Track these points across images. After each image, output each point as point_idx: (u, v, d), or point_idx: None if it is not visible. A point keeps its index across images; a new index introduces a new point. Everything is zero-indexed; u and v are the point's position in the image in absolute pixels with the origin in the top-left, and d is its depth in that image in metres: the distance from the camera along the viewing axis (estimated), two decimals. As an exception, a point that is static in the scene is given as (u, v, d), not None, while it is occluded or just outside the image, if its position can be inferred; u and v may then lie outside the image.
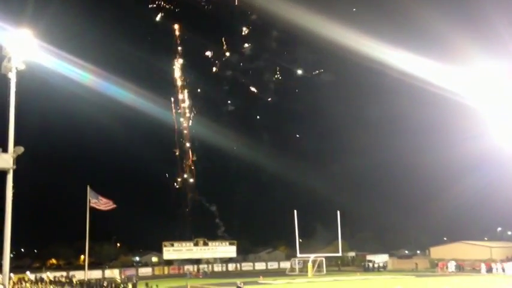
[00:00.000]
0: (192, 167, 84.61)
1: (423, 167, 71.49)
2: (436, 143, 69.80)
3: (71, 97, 70.10)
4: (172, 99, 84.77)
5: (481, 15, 57.74)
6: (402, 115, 74.39)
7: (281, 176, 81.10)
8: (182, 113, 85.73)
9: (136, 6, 79.76)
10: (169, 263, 66.30)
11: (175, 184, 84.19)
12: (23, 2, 60.28)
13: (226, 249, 68.29)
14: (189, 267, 62.62)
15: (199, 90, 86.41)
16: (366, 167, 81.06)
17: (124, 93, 73.63)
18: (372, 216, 78.95)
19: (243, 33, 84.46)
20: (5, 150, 20.00)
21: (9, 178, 19.95)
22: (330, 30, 61.16)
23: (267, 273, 58.47)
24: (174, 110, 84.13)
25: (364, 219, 79.11)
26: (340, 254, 62.53)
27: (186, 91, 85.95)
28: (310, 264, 55.58)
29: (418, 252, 79.38)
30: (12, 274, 26.79)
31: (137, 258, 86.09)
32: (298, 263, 59.95)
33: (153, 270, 63.57)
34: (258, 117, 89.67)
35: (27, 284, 32.97)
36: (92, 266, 61.80)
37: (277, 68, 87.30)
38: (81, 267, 55.17)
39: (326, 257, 59.52)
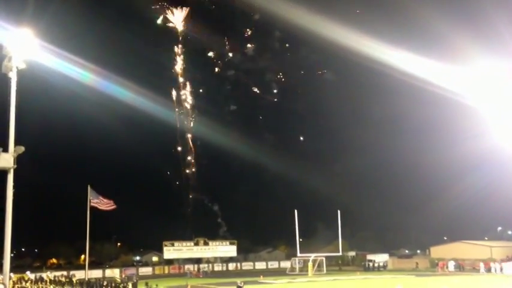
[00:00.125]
0: (194, 167, 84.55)
1: (424, 167, 71.54)
2: (437, 142, 69.84)
3: (71, 96, 70.22)
4: (174, 98, 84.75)
5: (481, 15, 57.71)
6: (403, 115, 74.43)
7: (282, 176, 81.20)
8: (184, 113, 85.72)
9: (137, 5, 79.58)
10: (169, 262, 66.34)
11: (176, 183, 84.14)
12: (23, 1, 60.36)
13: (227, 249, 68.31)
14: (189, 267, 62.66)
15: (201, 90, 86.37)
16: (366, 166, 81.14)
17: (125, 92, 73.65)
18: (372, 216, 78.98)
19: (246, 33, 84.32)
20: (6, 149, 20.01)
21: (10, 177, 19.96)
22: (331, 30, 61.14)
23: (267, 272, 58.49)
24: (176, 110, 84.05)
25: (365, 218, 79.13)
26: (340, 254, 62.54)
27: (188, 90, 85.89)
28: (310, 264, 55.59)
29: (418, 251, 79.38)
30: (12, 274, 26.82)
31: (137, 258, 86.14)
32: (299, 262, 59.96)
33: (153, 269, 63.62)
34: (260, 116, 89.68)
35: (27, 284, 33.01)
36: (93, 265, 61.87)
37: (279, 68, 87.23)
38: (81, 267, 55.20)
39: (326, 257, 59.53)
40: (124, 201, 61.61)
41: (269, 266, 69.64)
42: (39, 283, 34.42)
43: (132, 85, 73.53)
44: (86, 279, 38.98)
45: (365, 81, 79.01)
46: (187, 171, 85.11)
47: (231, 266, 68.30)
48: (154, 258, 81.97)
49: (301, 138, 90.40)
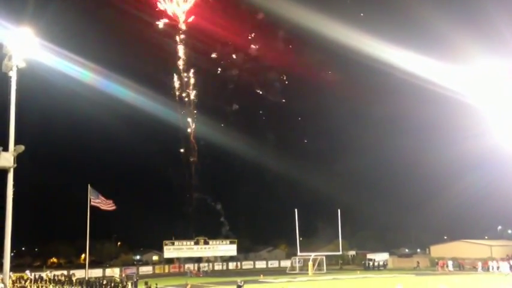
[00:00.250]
0: (196, 166, 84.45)
1: (424, 166, 71.51)
2: (437, 141, 69.83)
3: (71, 95, 70.10)
4: (176, 97, 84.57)
5: (482, 14, 57.67)
6: (403, 114, 74.33)
7: (282, 175, 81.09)
8: (186, 112, 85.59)
9: (137, 3, 79.44)
10: (169, 261, 66.37)
11: (178, 182, 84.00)
12: (23, 0, 60.29)
13: (227, 248, 68.33)
14: (189, 266, 62.70)
15: (203, 91, 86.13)
16: (366, 165, 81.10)
17: (125, 92, 73.58)
18: (372, 215, 78.95)
19: (249, 32, 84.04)
20: (6, 148, 20.01)
21: (10, 177, 19.96)
22: (332, 30, 61.09)
23: (268, 271, 58.49)
24: (178, 109, 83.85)
25: (365, 217, 79.11)
26: (340, 253, 62.60)
27: (190, 89, 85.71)
28: (310, 263, 55.62)
29: (419, 250, 79.42)
30: (11, 273, 26.82)
31: (138, 257, 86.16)
32: (299, 261, 59.98)
33: (153, 268, 63.64)
34: (262, 116, 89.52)
35: (26, 283, 33.02)
36: (93, 264, 61.87)
37: (282, 68, 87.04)
38: (82, 266, 55.25)
39: (327, 256, 59.56)
40: (124, 201, 61.63)
41: (269, 265, 69.65)
42: (38, 282, 34.43)
43: (132, 84, 73.50)
44: (86, 278, 38.98)
45: (365, 80, 78.98)
46: (189, 170, 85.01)
47: (231, 265, 68.32)
48: (155, 258, 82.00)
49: (305, 140, 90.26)
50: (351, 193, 76.30)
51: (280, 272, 58.45)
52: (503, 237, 75.15)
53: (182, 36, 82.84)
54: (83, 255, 73.87)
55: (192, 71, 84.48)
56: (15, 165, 20.05)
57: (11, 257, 20.71)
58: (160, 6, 80.00)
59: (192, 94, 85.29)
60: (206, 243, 66.62)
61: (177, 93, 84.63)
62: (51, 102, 69.97)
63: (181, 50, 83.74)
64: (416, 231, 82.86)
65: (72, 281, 33.79)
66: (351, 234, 74.62)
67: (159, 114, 75.28)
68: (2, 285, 20.43)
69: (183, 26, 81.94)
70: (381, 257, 62.40)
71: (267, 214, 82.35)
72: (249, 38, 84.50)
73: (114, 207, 43.86)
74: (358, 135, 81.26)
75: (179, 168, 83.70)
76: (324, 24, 62.19)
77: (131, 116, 75.60)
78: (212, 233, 74.21)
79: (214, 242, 67.80)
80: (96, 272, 52.36)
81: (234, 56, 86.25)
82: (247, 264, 69.66)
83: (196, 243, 66.08)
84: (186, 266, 63.33)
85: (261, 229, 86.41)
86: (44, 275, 38.57)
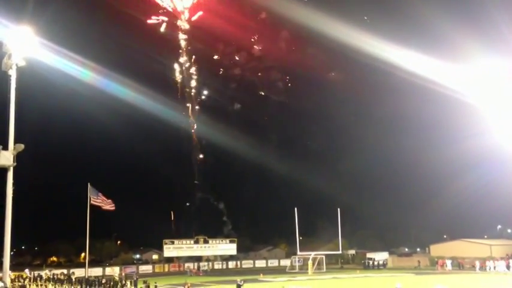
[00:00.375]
0: (198, 165, 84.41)
1: (424, 165, 71.51)
2: (437, 141, 69.86)
3: (71, 94, 70.06)
4: (178, 95, 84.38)
5: (482, 13, 57.67)
6: (403, 113, 74.35)
7: (283, 174, 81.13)
8: (187, 111, 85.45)
9: (138, 3, 79.36)
10: (169, 260, 66.39)
11: (177, 181, 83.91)
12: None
13: (227, 247, 68.31)
14: (189, 265, 62.71)
15: (205, 90, 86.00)
16: (366, 165, 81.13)
17: (125, 91, 73.52)
18: (372, 214, 78.92)
19: (251, 32, 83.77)
20: (6, 147, 20.01)
21: (10, 175, 19.96)
22: (334, 29, 61.04)
23: (267, 270, 58.51)
24: (179, 108, 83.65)
25: (365, 217, 79.11)
26: (340, 252, 62.61)
27: (191, 88, 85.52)
28: (310, 262, 55.64)
29: (418, 250, 79.40)
30: (10, 271, 26.83)
31: (138, 256, 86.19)
32: (299, 260, 60.01)
33: (153, 267, 63.64)
34: (263, 116, 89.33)
35: (25, 282, 33.02)
36: (93, 263, 61.89)
37: (284, 68, 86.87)
38: (81, 265, 55.25)
39: (327, 255, 59.57)
40: (124, 200, 61.68)
41: (269, 264, 69.64)
42: (37, 281, 34.44)
43: (132, 83, 73.46)
44: (86, 277, 38.98)
45: (365, 80, 78.99)
46: (191, 169, 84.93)
47: (231, 264, 68.33)
48: (155, 257, 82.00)
49: (308, 142, 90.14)
50: (350, 192, 76.37)
51: (280, 271, 58.46)
52: (502, 236, 75.17)
53: (184, 34, 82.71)
54: (82, 254, 73.95)
55: (194, 69, 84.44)
56: (15, 163, 20.05)
57: (11, 256, 20.72)
58: (161, 3, 80.00)
59: (194, 93, 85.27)
60: (206, 242, 66.61)
61: (179, 92, 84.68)
62: (51, 101, 70.02)
63: (183, 48, 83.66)
64: (416, 230, 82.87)
65: (72, 279, 33.79)
66: (350, 233, 74.62)
67: (160, 114, 75.27)
68: (2, 284, 20.43)
69: (185, 24, 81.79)
70: (380, 256, 62.42)
71: (267, 213, 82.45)
72: (252, 37, 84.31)
73: (113, 208, 43.89)
74: (358, 135, 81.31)
75: (179, 167, 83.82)
76: (326, 24, 62.16)
77: (131, 115, 75.63)
78: (214, 232, 74.40)
79: (214, 241, 67.79)
80: (96, 271, 52.35)
81: (236, 55, 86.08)
82: (247, 263, 69.65)
83: (196, 242, 66.07)
84: (186, 265, 63.35)
85: (261, 228, 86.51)
86: (43, 273, 38.58)
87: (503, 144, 38.44)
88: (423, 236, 79.14)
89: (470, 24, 56.36)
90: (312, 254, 57.50)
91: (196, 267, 62.15)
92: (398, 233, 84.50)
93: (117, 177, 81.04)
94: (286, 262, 65.38)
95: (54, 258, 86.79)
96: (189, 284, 32.55)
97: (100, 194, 43.14)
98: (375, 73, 70.94)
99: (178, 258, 66.58)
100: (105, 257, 79.23)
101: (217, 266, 67.08)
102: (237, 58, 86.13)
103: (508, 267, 47.92)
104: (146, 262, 75.54)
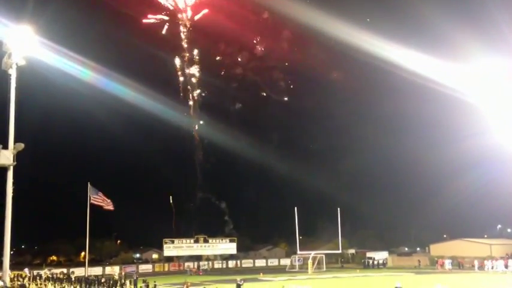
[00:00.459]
0: (199, 165, 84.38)
1: (424, 164, 71.52)
2: (437, 140, 69.89)
3: (71, 93, 70.04)
4: (180, 92, 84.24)
5: (483, 13, 57.64)
6: (403, 112, 74.35)
7: (283, 174, 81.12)
8: (189, 110, 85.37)
9: (138, 1, 79.28)
10: (169, 259, 66.40)
11: (178, 181, 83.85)
12: (23, -2, 60.04)
13: (227, 246, 68.31)
14: (189, 264, 62.70)
15: (206, 89, 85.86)
16: (366, 164, 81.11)
17: (125, 90, 73.49)
18: (372, 214, 78.93)
19: (253, 32, 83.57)
20: (6, 146, 20.00)
21: (10, 174, 19.95)
22: (334, 29, 61.03)
23: (267, 270, 58.52)
24: (179, 107, 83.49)
25: (365, 216, 79.09)
26: (340, 251, 62.61)
27: (192, 87, 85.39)
28: (310, 261, 55.64)
29: (418, 249, 79.40)
30: (9, 271, 26.83)
31: (138, 255, 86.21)
32: (298, 260, 60.01)
33: (153, 267, 63.67)
34: (264, 116, 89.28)
35: (25, 281, 33.02)
36: (93, 262, 61.90)
37: (286, 68, 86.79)
38: (81, 264, 55.28)
39: (327, 255, 59.57)
40: (124, 199, 61.70)
41: (269, 264, 69.65)
42: (37, 280, 34.44)
43: (132, 82, 73.41)
44: (85, 276, 39.00)
45: (365, 79, 78.94)
46: (192, 169, 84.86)
47: (231, 264, 68.33)
48: (155, 256, 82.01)
49: (310, 141, 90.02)
50: (350, 192, 76.34)
51: (279, 270, 58.47)
52: (502, 235, 75.20)
53: (186, 33, 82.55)
54: (82, 254, 73.92)
55: (195, 69, 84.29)
56: (15, 163, 20.03)
57: (11, 255, 20.71)
58: (163, 2, 79.88)
59: (196, 93, 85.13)
60: (206, 241, 66.62)
61: (181, 91, 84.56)
62: (51, 100, 69.96)
63: (184, 47, 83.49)
64: (416, 229, 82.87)
65: (71, 279, 33.79)
66: (350, 232, 74.62)
67: (160, 113, 75.22)
68: (2, 283, 20.42)
69: (187, 23, 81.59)
70: (380, 256, 62.44)
71: (267, 213, 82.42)
72: (254, 37, 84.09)
73: (112, 208, 43.93)
74: (358, 134, 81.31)
75: (180, 166, 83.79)
76: (326, 23, 62.14)
77: (131, 114, 75.59)
78: (215, 232, 74.39)
79: (214, 241, 67.79)
80: (96, 270, 52.34)
81: (238, 55, 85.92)
82: (247, 263, 69.65)
83: (196, 241, 66.07)
84: (186, 264, 63.35)
85: (261, 227, 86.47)
86: (42, 273, 38.58)
87: (503, 143, 38.47)
88: (423, 235, 79.15)
89: (470, 23, 56.40)
90: (312, 253, 57.50)
91: (196, 266, 62.18)
92: (398, 233, 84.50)
93: (117, 177, 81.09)
94: (286, 261, 65.41)
95: (54, 258, 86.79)
96: (188, 284, 32.52)
97: (100, 193, 43.17)
98: (374, 72, 70.94)
99: (179, 257, 66.62)
100: (105, 256, 79.23)
101: (217, 265, 67.10)
102: (238, 57, 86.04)
103: (506, 266, 47.94)
104: (146, 261, 75.56)
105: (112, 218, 58.27)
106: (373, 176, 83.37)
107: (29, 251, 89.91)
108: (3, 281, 20.55)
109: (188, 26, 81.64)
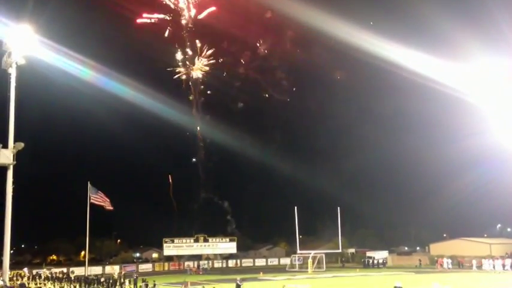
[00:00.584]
0: (202, 164, 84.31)
1: (424, 164, 71.54)
2: (437, 139, 69.88)
3: (71, 93, 69.97)
4: (182, 87, 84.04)
5: (483, 12, 57.61)
6: (404, 112, 74.41)
7: (283, 174, 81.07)
8: (191, 110, 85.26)
9: (138, 2, 79.11)
10: (169, 259, 66.40)
11: (179, 180, 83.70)
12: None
13: (227, 246, 68.34)
14: (189, 264, 62.70)
15: (208, 88, 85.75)
16: (366, 163, 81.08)
17: (125, 89, 73.44)
18: (372, 213, 78.98)
19: (256, 32, 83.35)
20: (6, 145, 19.99)
21: (10, 174, 19.95)
22: (335, 28, 60.99)
23: (267, 269, 58.52)
24: (178, 107, 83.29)
25: (365, 215, 79.12)
26: (340, 251, 62.61)
27: (194, 87, 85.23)
28: (310, 261, 55.64)
29: (418, 248, 79.44)
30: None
31: (138, 255, 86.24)
32: (298, 259, 60.01)
33: (153, 266, 63.68)
34: (265, 116, 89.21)
35: (24, 280, 33.04)
36: (93, 262, 61.95)
37: (288, 68, 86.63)
38: (81, 263, 55.29)
39: (327, 254, 59.56)
40: (124, 198, 61.74)
41: (269, 263, 69.68)
42: (36, 279, 34.45)
43: (132, 81, 73.35)
44: (85, 275, 39.00)
45: (365, 79, 78.87)
46: (195, 168, 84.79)
47: (231, 263, 68.34)
48: (154, 255, 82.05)
49: (311, 142, 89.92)
50: (350, 191, 76.39)
51: (279, 269, 58.48)
52: (502, 235, 75.25)
53: (188, 32, 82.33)
54: (82, 253, 73.95)
55: (198, 68, 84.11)
56: (15, 162, 20.03)
57: (11, 254, 20.71)
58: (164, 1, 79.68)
59: (198, 92, 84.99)
60: (206, 240, 66.63)
61: (183, 90, 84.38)
62: (50, 99, 69.96)
63: (187, 45, 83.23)
64: (415, 229, 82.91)
65: (70, 278, 33.79)
66: (350, 232, 74.65)
67: (161, 112, 75.15)
68: (2, 282, 20.44)
69: (189, 22, 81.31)
70: (380, 255, 62.44)
71: (267, 212, 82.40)
72: (256, 36, 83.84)
73: (111, 208, 43.98)
74: (358, 134, 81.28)
75: (181, 166, 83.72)
76: (328, 23, 62.09)
77: (131, 113, 75.56)
78: (217, 231, 74.37)
79: (214, 240, 67.79)
80: (96, 270, 52.34)
81: (241, 54, 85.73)
82: (246, 262, 69.67)
83: (196, 240, 66.09)
84: (186, 263, 63.34)
85: (261, 227, 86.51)
86: (41, 272, 38.58)
87: (504, 143, 38.43)
88: (423, 234, 79.20)
89: (470, 23, 56.37)
90: (312, 252, 57.49)
91: (196, 265, 62.17)
92: (398, 232, 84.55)
93: (118, 176, 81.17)
94: (286, 261, 65.43)
95: (54, 257, 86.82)
96: (188, 283, 32.51)
97: (100, 192, 43.17)
98: (375, 72, 70.84)
99: (179, 256, 66.60)
100: (105, 256, 79.30)
101: (217, 264, 67.11)
102: (241, 57, 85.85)
103: (503, 266, 47.97)
104: (146, 261, 75.63)
105: (112, 217, 58.37)
106: (373, 175, 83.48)
107: (29, 250, 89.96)
108: (3, 280, 20.56)
109: (191, 24, 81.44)
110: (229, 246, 68.40)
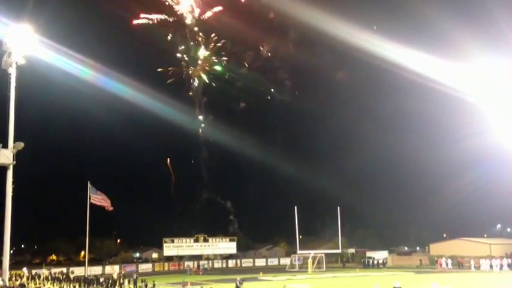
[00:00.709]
0: (204, 164, 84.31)
1: (424, 164, 71.60)
2: (437, 139, 69.93)
3: (71, 92, 70.02)
4: (184, 84, 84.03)
5: (483, 13, 57.62)
6: (404, 112, 74.40)
7: (283, 173, 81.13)
8: (193, 110, 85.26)
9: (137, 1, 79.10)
10: (169, 259, 66.37)
11: (179, 180, 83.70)
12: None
13: (227, 246, 68.30)
14: (189, 264, 62.67)
15: (210, 88, 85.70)
16: (366, 163, 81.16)
17: (125, 89, 73.44)
18: (372, 213, 78.99)
19: (258, 32, 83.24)
20: (5, 145, 19.97)
21: (10, 173, 19.93)
22: (335, 29, 60.99)
23: (267, 269, 58.49)
24: (178, 107, 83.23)
25: (365, 215, 79.15)
26: (340, 251, 62.60)
27: (195, 86, 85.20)
28: (310, 261, 55.63)
29: (418, 248, 79.46)
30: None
31: (137, 255, 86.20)
32: (298, 259, 59.99)
33: (153, 266, 63.62)
34: (266, 115, 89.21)
35: (23, 280, 33.02)
36: (92, 262, 61.90)
37: (287, 68, 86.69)
38: (81, 263, 55.25)
39: (327, 254, 59.55)
40: (124, 198, 61.73)
41: (269, 263, 69.63)
42: (36, 279, 34.42)
43: (132, 81, 73.37)
44: (85, 275, 38.97)
45: (366, 79, 78.93)
46: (197, 168, 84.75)
47: (231, 263, 68.28)
48: (154, 255, 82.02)
49: (311, 142, 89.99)
50: (350, 191, 76.40)
51: (279, 269, 58.45)
52: (502, 235, 75.26)
53: (190, 31, 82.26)
54: (82, 253, 73.92)
55: (199, 68, 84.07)
56: (15, 162, 20.02)
57: (10, 254, 20.69)
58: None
59: (200, 92, 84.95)
60: (206, 240, 66.59)
61: (185, 91, 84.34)
62: (50, 99, 70.02)
63: (189, 45, 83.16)
64: (415, 229, 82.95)
65: (70, 278, 33.75)
66: (350, 232, 74.66)
67: (161, 112, 75.17)
68: (1, 282, 20.41)
69: (189, 22, 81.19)
70: (380, 255, 62.43)
71: (268, 212, 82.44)
72: (259, 37, 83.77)
73: (111, 208, 43.95)
74: (359, 133, 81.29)
75: (180, 166, 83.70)
76: (329, 23, 62.07)
77: (131, 113, 75.58)
78: (219, 231, 74.30)
79: (213, 240, 67.75)
80: (96, 270, 52.31)
81: (242, 55, 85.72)
82: (246, 262, 69.61)
83: (196, 240, 66.05)
84: (186, 263, 63.31)
85: (261, 227, 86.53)
86: (41, 272, 38.53)
87: (504, 143, 38.42)
88: (423, 234, 79.22)
89: (471, 23, 56.38)
90: (312, 252, 57.48)
91: (196, 265, 62.14)
92: (398, 232, 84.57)
93: (118, 176, 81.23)
94: (286, 261, 65.39)
95: (54, 257, 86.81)
96: (188, 283, 32.52)
97: (100, 192, 43.15)
98: (375, 72, 70.91)
99: (179, 257, 66.55)
100: (105, 256, 79.26)
101: (217, 264, 67.06)
102: (243, 57, 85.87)
103: (501, 266, 47.97)
104: (146, 261, 75.56)
105: (112, 217, 58.27)
106: (373, 175, 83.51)
107: (29, 250, 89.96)
108: (2, 280, 20.54)
109: (194, 24, 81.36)
110: (229, 246, 68.37)
